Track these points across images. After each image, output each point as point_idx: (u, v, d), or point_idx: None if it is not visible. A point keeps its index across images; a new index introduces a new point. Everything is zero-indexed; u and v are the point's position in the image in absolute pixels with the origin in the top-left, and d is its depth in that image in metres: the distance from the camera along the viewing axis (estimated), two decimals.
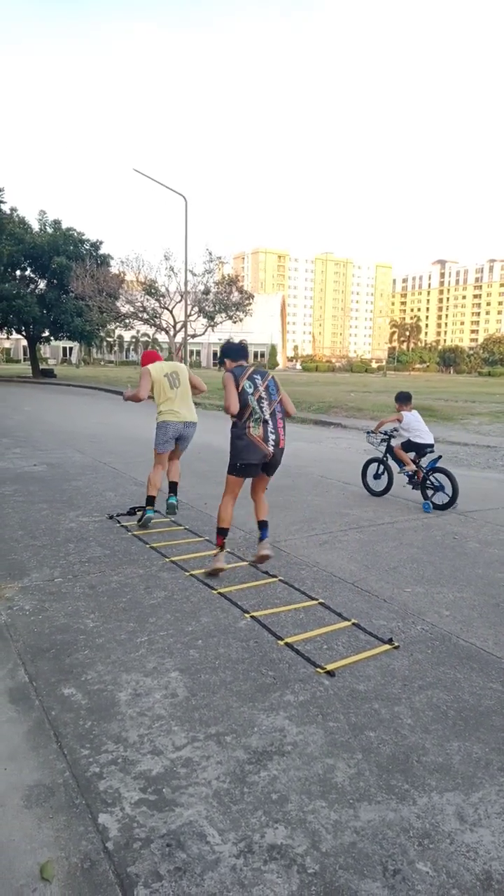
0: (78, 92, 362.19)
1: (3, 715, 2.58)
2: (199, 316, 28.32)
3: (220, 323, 29.22)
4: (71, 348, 76.36)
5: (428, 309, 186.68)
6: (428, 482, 6.59)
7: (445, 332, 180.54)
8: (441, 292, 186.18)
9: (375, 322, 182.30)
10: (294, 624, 3.57)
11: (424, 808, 2.11)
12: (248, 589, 4.09)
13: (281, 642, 3.30)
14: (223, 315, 28.67)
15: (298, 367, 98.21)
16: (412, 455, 6.82)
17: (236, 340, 5.57)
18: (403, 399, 7.02)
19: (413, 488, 6.86)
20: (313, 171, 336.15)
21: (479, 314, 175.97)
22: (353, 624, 3.58)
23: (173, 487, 5.95)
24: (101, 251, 35.46)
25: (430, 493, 6.58)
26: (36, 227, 35.98)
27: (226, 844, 1.92)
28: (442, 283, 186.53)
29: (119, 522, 5.64)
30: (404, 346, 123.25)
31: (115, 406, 19.42)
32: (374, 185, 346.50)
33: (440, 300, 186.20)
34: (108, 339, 47.31)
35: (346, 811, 2.08)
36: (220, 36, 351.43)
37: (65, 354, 79.26)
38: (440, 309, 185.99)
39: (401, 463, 6.84)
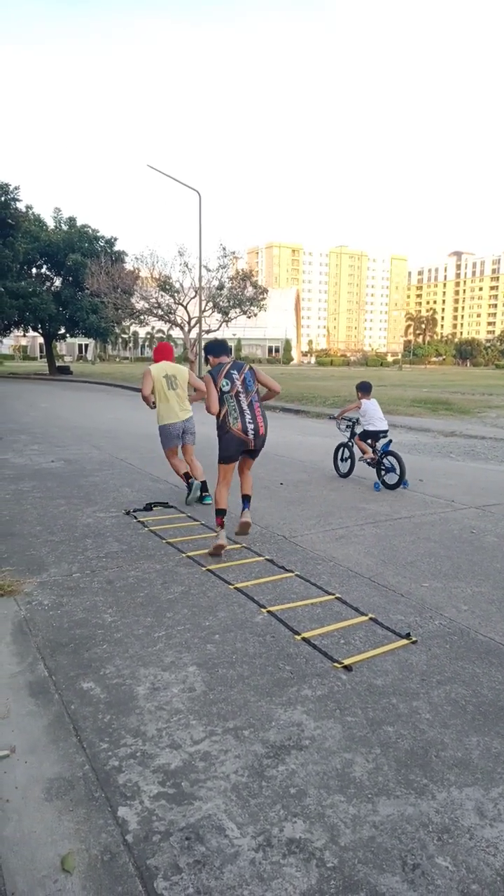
0: (92, 89, 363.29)
1: (23, 708, 2.62)
2: (213, 311, 28.29)
3: (235, 318, 29.17)
4: (86, 345, 76.90)
5: (444, 301, 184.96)
6: (382, 464, 7.29)
7: (462, 325, 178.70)
8: (457, 284, 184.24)
9: (391, 315, 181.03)
10: (311, 619, 3.56)
11: (443, 803, 2.10)
12: (265, 584, 4.09)
13: (298, 637, 3.30)
14: (237, 310, 28.60)
15: (313, 361, 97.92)
16: (369, 442, 7.59)
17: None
18: (364, 388, 7.73)
19: (371, 467, 7.56)
20: (327, 163, 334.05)
21: (496, 306, 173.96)
22: (371, 618, 3.57)
23: (205, 486, 6.34)
24: (116, 248, 35.61)
25: (383, 473, 7.28)
26: (51, 224, 36.25)
27: (244, 838, 1.93)
28: (458, 276, 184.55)
29: (136, 518, 5.67)
30: (420, 340, 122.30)
31: (130, 402, 19.50)
32: (388, 176, 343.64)
33: (456, 292, 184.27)
34: (124, 335, 47.57)
35: (364, 806, 2.08)
36: (232, 30, 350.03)
37: (80, 352, 79.79)
38: (456, 301, 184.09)
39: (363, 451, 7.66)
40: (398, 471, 7.08)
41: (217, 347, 5.13)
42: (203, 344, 5.24)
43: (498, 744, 2.44)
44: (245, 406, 4.76)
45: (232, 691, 2.77)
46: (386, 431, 7.55)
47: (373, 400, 7.64)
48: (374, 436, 7.53)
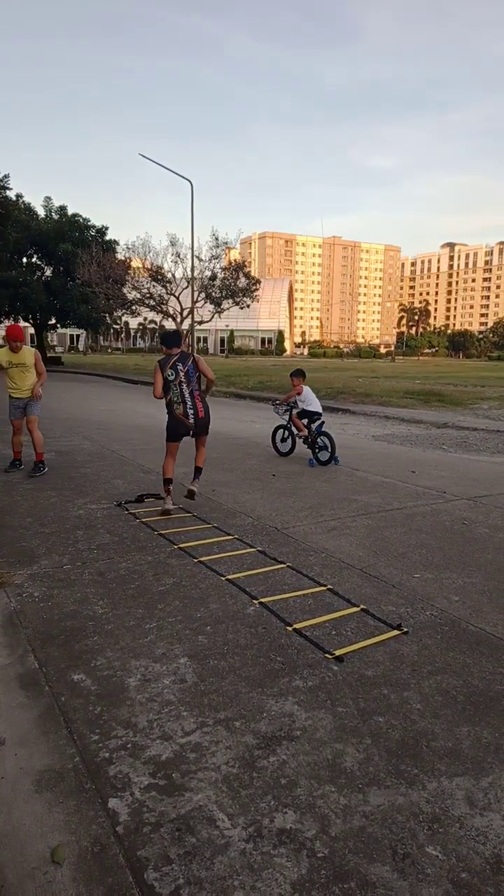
0: (84, 77, 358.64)
1: (13, 700, 2.60)
2: (205, 302, 28.16)
3: (227, 309, 29.07)
4: (78, 336, 76.42)
5: (437, 293, 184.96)
6: (316, 443, 8.12)
7: (455, 317, 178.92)
8: (450, 276, 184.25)
9: (384, 306, 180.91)
10: (302, 610, 3.57)
11: (434, 793, 2.11)
12: (257, 575, 4.09)
13: (289, 628, 3.30)
14: (230, 301, 28.50)
15: (306, 352, 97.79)
16: (305, 421, 8.35)
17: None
18: (299, 374, 8.61)
19: (307, 448, 8.29)
20: (321, 154, 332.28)
21: (488, 298, 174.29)
22: (362, 609, 3.58)
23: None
24: (107, 237, 35.31)
25: (317, 450, 8.10)
26: (42, 213, 35.89)
27: (235, 829, 1.93)
28: (451, 267, 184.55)
29: (127, 510, 5.65)
30: (413, 331, 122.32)
31: (122, 393, 19.43)
32: (382, 167, 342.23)
33: (449, 284, 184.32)
34: (115, 326, 47.26)
35: (355, 796, 2.09)
36: (223, 19, 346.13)
37: (72, 342, 79.30)
38: (449, 293, 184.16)
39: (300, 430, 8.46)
40: (330, 448, 7.99)
41: (171, 339, 5.76)
42: (160, 333, 5.90)
43: (488, 734, 2.45)
44: (187, 394, 5.53)
45: (223, 682, 2.77)
46: (320, 414, 8.43)
47: (307, 386, 8.60)
48: (311, 416, 8.33)
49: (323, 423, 8.33)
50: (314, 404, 8.38)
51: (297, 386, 8.43)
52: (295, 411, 8.41)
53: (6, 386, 7.00)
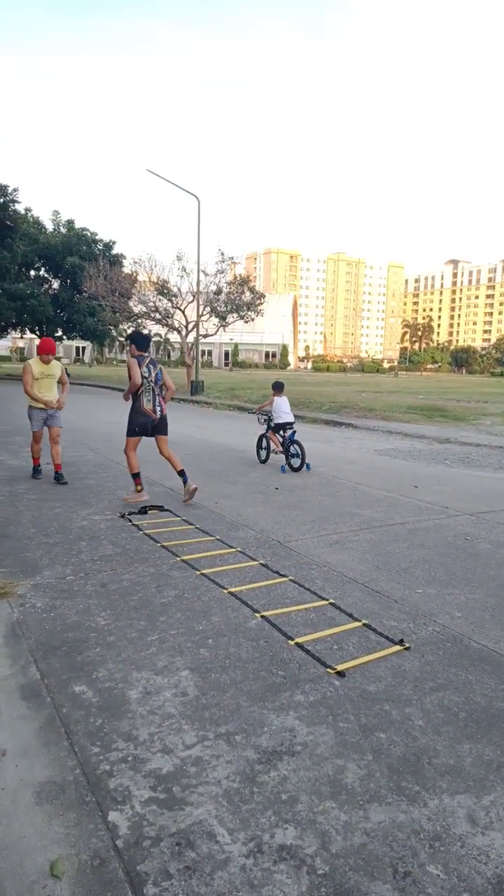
0: (92, 92, 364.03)
1: (14, 711, 2.60)
2: (210, 316, 28.33)
3: (232, 323, 29.22)
4: (84, 348, 76.87)
5: (440, 309, 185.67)
6: (289, 451, 8.71)
7: (458, 333, 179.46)
8: (454, 292, 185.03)
9: (387, 322, 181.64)
10: (304, 624, 3.56)
11: (435, 811, 2.09)
12: (259, 588, 4.08)
13: (291, 642, 3.30)
14: (235, 315, 28.65)
15: (309, 367, 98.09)
16: (281, 432, 8.98)
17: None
18: (277, 387, 9.25)
19: (280, 453, 8.98)
20: (326, 170, 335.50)
21: (491, 314, 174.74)
22: (364, 624, 3.57)
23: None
24: (114, 251, 35.62)
25: (290, 457, 8.68)
26: (50, 227, 36.25)
27: (235, 844, 1.92)
28: (454, 283, 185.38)
29: (130, 521, 5.65)
30: (416, 347, 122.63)
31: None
32: (387, 184, 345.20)
33: (452, 300, 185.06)
34: (121, 338, 47.56)
35: (356, 812, 2.07)
36: (232, 37, 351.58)
37: (77, 354, 79.72)
38: (452, 309, 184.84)
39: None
40: (300, 455, 8.56)
41: (144, 341, 6.65)
42: (134, 334, 6.46)
43: (490, 751, 2.43)
44: (156, 392, 6.42)
45: (224, 696, 2.76)
46: (292, 423, 9.03)
47: (283, 397, 9.13)
48: (283, 427, 8.97)
49: (294, 431, 8.93)
50: (284, 415, 9.01)
51: (272, 398, 9.20)
52: (271, 425, 9.10)
53: (31, 397, 7.34)
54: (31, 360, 7.42)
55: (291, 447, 8.68)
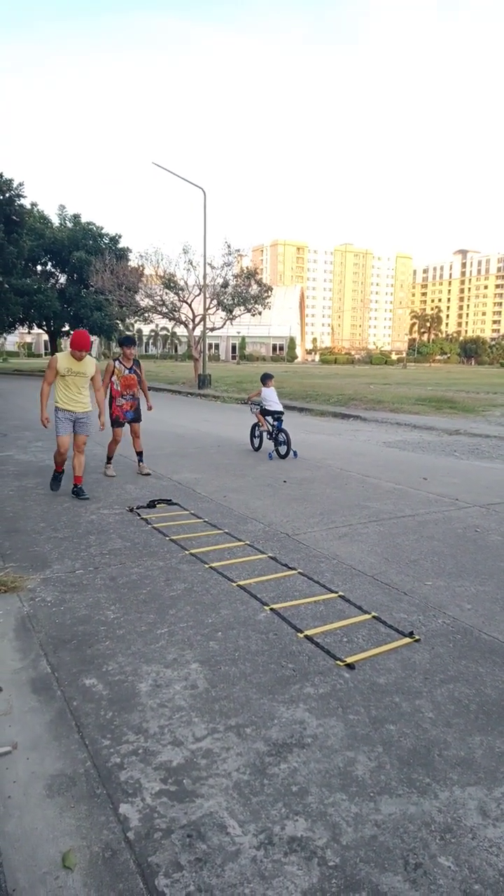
0: (97, 86, 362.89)
1: (25, 705, 2.62)
2: (217, 309, 28.24)
3: (239, 316, 29.11)
4: (91, 342, 76.94)
5: (449, 300, 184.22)
6: (277, 439, 9.30)
7: (467, 323, 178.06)
8: (462, 283, 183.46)
9: (395, 313, 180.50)
10: (314, 616, 3.56)
11: (446, 803, 2.09)
12: (268, 581, 4.08)
13: (301, 635, 3.30)
14: (242, 308, 28.53)
15: (317, 359, 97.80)
16: (270, 419, 9.61)
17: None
18: (266, 378, 9.94)
19: (269, 439, 9.55)
20: (333, 161, 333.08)
21: (501, 304, 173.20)
22: (374, 617, 3.56)
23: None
24: (120, 245, 35.59)
25: (278, 445, 9.26)
26: (56, 221, 36.26)
27: (246, 836, 1.92)
28: (463, 274, 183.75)
29: (139, 515, 5.67)
30: (425, 338, 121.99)
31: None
32: (394, 174, 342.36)
33: (461, 290, 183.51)
34: (128, 332, 47.61)
35: (366, 804, 2.07)
36: (237, 29, 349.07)
37: None
38: (461, 299, 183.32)
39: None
40: (286, 443, 9.12)
41: (128, 342, 7.42)
42: (124, 336, 6.73)
43: (501, 743, 2.42)
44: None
45: (234, 689, 2.77)
46: (281, 412, 9.65)
47: (272, 388, 9.86)
48: (271, 414, 9.59)
49: (282, 420, 9.55)
50: (274, 405, 9.68)
51: (261, 388, 9.86)
52: (258, 409, 9.78)
53: (56, 398, 6.36)
54: (60, 354, 6.36)
55: (279, 435, 9.28)
